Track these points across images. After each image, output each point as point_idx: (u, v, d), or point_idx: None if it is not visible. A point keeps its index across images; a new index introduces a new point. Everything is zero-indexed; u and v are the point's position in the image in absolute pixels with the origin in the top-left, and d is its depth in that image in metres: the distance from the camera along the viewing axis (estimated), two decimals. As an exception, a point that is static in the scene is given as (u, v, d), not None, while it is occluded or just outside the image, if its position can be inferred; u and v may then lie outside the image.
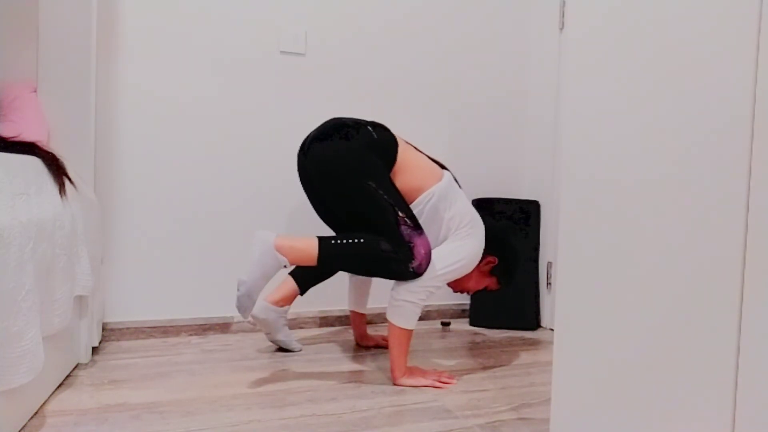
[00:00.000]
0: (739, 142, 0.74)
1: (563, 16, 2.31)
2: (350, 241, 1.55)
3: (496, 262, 1.78)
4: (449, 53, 2.41)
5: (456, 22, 2.42)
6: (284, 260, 1.52)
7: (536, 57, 2.49)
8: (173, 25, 2.02)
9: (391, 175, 1.64)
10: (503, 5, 2.50)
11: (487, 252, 1.75)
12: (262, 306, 1.81)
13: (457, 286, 1.83)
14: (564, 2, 2.30)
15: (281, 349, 1.90)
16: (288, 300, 1.85)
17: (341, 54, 2.25)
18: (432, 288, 1.60)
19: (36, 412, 1.32)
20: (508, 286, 1.86)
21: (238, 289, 1.51)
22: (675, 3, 0.85)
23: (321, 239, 1.55)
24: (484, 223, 1.73)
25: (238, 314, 1.93)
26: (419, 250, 1.55)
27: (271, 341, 1.88)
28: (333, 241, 1.55)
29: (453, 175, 1.76)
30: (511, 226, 2.34)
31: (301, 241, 1.54)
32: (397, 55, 2.33)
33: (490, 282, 1.82)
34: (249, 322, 2.11)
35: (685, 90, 0.83)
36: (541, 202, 2.40)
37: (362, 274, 1.62)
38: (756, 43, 0.72)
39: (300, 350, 1.90)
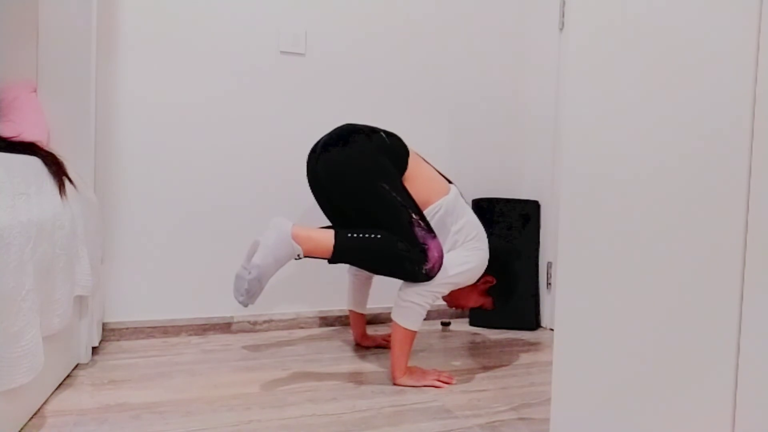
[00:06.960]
0: (739, 142, 0.74)
1: (563, 16, 2.31)
2: (367, 235, 1.54)
3: (494, 283, 1.78)
4: (449, 53, 2.41)
5: (455, 22, 2.42)
6: (299, 249, 1.50)
7: (536, 57, 2.49)
8: (172, 24, 2.02)
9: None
10: (503, 5, 2.50)
11: (487, 271, 1.74)
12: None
13: (452, 302, 1.83)
14: (564, 2, 2.30)
15: (280, 349, 1.90)
16: None
17: (341, 54, 2.25)
18: (439, 293, 1.60)
19: (36, 412, 1.32)
20: (504, 307, 1.84)
21: (249, 272, 1.46)
22: (675, 3, 0.85)
23: (337, 231, 1.54)
24: (490, 243, 1.73)
25: (239, 304, 1.78)
26: (433, 253, 1.55)
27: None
28: (350, 234, 1.54)
29: (459, 190, 1.75)
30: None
31: (317, 232, 1.53)
32: (397, 54, 2.33)
33: (485, 301, 1.82)
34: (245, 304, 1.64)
35: (685, 89, 0.83)
36: (541, 202, 2.40)
37: (373, 271, 1.61)
38: (756, 43, 0.72)
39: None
